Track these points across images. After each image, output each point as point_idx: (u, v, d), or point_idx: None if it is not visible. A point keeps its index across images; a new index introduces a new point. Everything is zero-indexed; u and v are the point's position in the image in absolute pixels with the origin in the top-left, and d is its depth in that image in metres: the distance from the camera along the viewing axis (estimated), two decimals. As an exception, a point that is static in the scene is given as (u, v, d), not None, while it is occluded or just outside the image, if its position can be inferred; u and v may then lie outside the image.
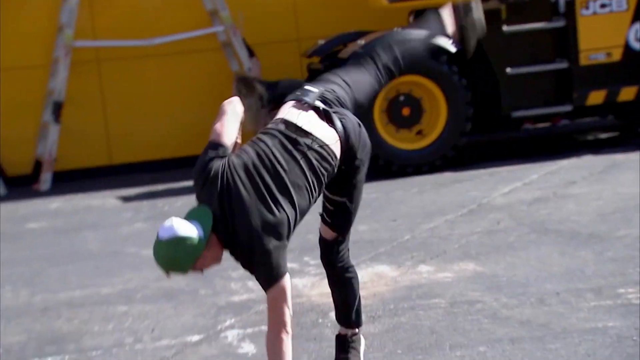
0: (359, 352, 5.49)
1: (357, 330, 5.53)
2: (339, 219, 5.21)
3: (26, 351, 6.66)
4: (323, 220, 5.25)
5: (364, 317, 5.58)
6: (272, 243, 4.65)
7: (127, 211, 11.38)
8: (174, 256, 4.55)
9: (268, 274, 4.65)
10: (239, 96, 5.20)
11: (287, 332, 4.70)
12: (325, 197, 5.20)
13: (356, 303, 5.50)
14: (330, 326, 6.46)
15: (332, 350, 5.77)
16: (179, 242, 4.47)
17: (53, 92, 13.18)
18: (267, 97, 11.57)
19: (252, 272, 4.77)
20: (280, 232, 4.63)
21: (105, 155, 14.06)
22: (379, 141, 11.13)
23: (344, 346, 5.50)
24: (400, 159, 11.40)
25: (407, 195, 10.47)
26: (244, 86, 12.01)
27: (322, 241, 5.33)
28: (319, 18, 14.06)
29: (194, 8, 14.03)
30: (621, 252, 7.43)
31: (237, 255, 4.73)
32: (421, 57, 7.11)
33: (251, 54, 13.69)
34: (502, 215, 9.00)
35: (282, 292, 4.67)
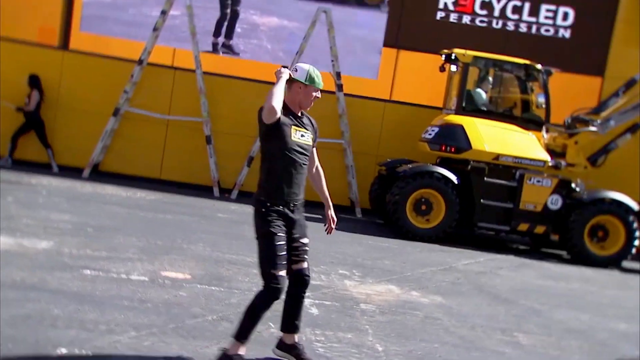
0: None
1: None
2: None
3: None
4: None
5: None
6: None
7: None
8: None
9: None
10: None
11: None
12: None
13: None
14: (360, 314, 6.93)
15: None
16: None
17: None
18: None
19: None
20: None
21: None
22: (408, 223, 11.41)
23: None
24: (422, 234, 11.44)
25: (416, 254, 10.30)
26: None
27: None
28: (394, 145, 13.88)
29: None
30: (520, 311, 7.39)
31: None
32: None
33: None
34: (460, 275, 8.93)
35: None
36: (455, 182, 11.64)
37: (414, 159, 12.65)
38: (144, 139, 13.93)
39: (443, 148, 11.91)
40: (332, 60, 13.51)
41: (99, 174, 13.57)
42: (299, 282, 4.68)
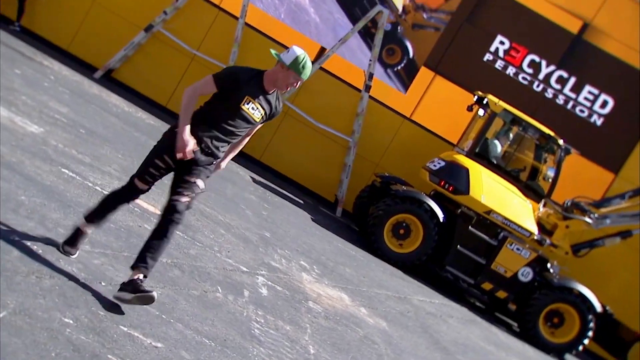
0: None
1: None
2: None
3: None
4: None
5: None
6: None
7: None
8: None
9: None
10: None
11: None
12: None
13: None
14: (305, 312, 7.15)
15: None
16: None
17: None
18: None
19: None
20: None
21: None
22: (381, 241, 11.47)
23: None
24: (391, 256, 11.46)
25: (379, 272, 10.37)
26: None
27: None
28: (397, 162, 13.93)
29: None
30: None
31: None
32: None
33: None
34: (411, 309, 8.97)
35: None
36: (441, 219, 11.65)
37: (410, 183, 12.66)
38: (165, 64, 13.86)
39: (442, 183, 11.90)
40: (370, 60, 13.49)
41: (109, 80, 13.50)
42: (168, 209, 4.41)
